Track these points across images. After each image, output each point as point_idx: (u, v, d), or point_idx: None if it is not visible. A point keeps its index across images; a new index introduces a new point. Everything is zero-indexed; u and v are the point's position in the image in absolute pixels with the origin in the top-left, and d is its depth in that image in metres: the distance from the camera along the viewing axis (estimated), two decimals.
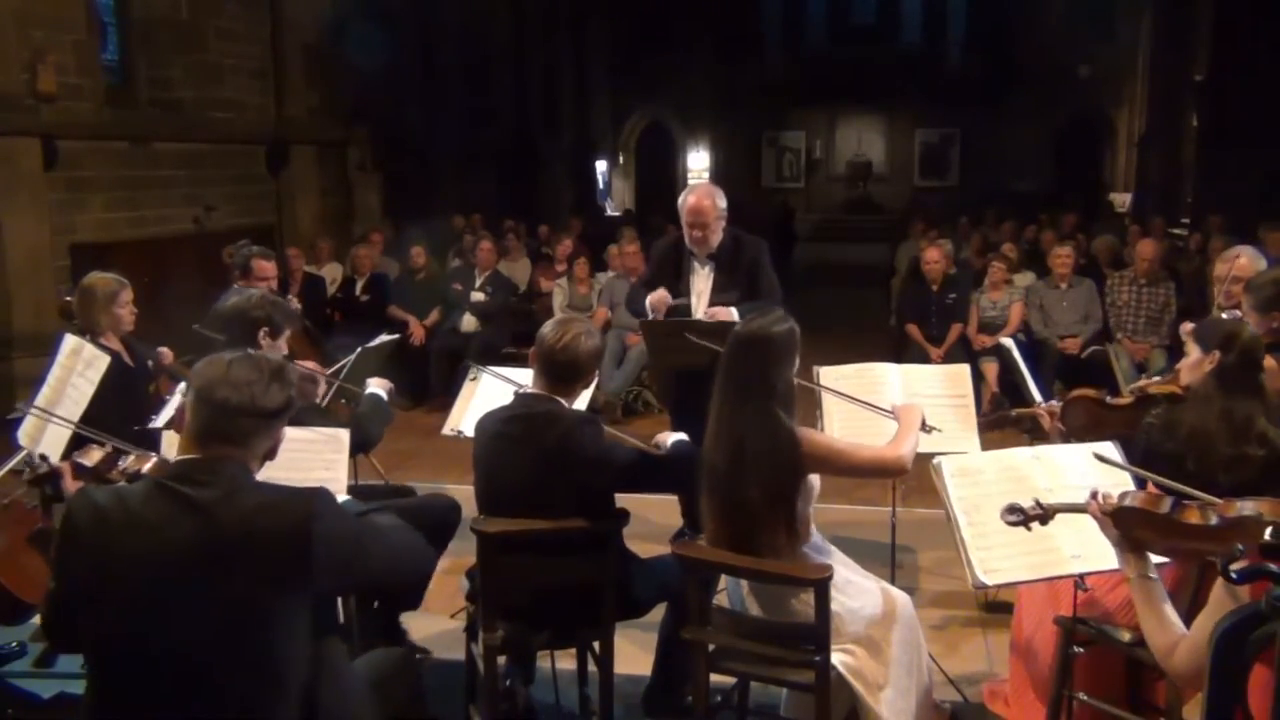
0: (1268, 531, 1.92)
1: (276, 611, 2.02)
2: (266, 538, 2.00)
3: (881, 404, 3.81)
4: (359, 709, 2.23)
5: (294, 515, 2.03)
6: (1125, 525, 2.37)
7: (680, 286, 4.61)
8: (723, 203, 4.48)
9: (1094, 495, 2.43)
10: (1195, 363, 3.03)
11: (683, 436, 3.32)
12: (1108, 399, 3.53)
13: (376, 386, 3.88)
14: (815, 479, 2.93)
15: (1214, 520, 2.21)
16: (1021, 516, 2.54)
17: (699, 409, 4.87)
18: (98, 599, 2.04)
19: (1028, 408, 3.72)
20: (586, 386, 3.26)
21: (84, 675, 2.17)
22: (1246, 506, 2.16)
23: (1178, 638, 2.23)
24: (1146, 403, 3.33)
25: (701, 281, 4.57)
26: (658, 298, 4.48)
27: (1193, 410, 2.95)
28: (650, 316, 4.47)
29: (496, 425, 3.13)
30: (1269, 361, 3.50)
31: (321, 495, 2.13)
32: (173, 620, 1.99)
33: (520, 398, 3.17)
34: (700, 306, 4.54)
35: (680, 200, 4.53)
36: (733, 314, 4.31)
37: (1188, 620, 2.30)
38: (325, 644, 2.15)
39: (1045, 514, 2.54)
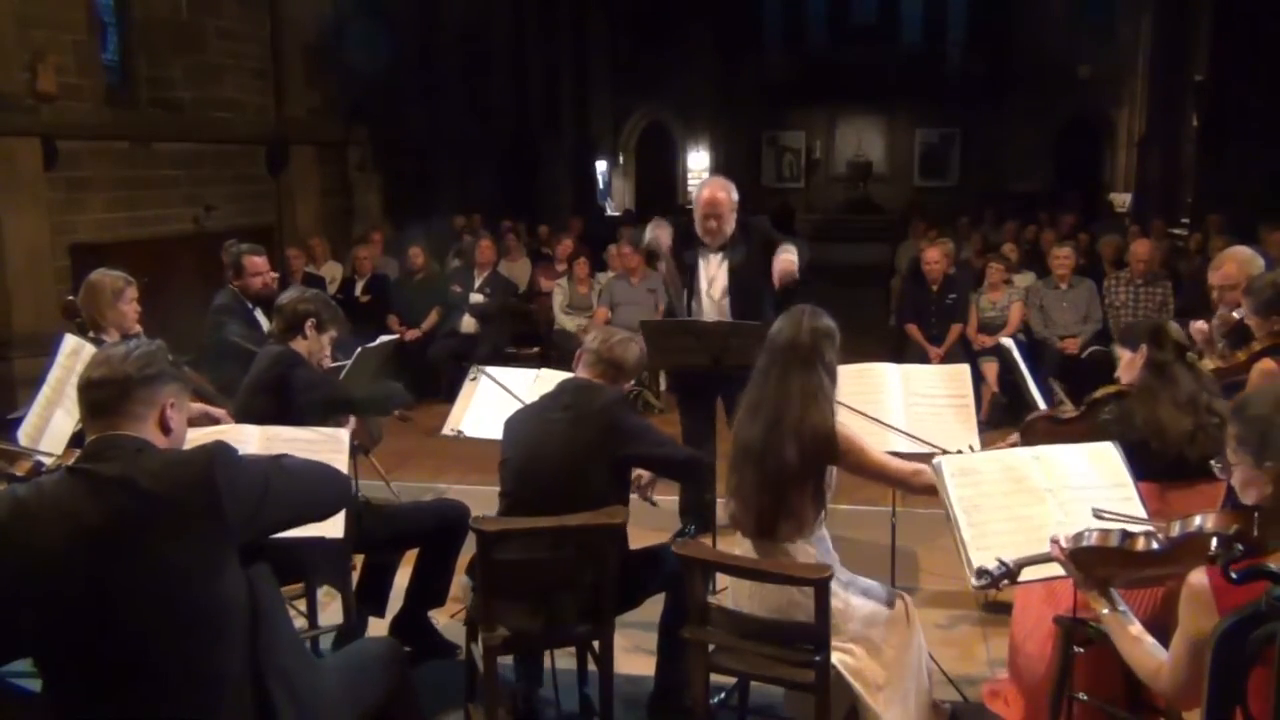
0: (1212, 543, 1.92)
1: (207, 563, 2.05)
2: (178, 490, 2.05)
3: (880, 407, 3.82)
4: (295, 651, 2.30)
5: (197, 464, 2.08)
6: (1086, 565, 2.40)
7: (685, 273, 4.88)
8: (735, 195, 4.78)
9: (1054, 542, 2.45)
10: (1130, 362, 3.34)
11: None
12: (1060, 415, 3.58)
13: None
14: (834, 474, 3.00)
15: (1156, 546, 2.23)
16: (989, 579, 2.53)
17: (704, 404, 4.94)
18: (33, 596, 2.03)
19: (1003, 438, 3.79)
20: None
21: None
22: (1191, 523, 2.16)
23: (1160, 659, 2.25)
24: (1096, 406, 3.47)
25: (713, 269, 4.82)
26: (660, 238, 4.73)
27: (1142, 404, 3.21)
28: (651, 248, 4.78)
29: (542, 401, 3.36)
30: (1267, 363, 3.52)
31: (219, 444, 2.18)
32: (110, 597, 2.00)
33: (562, 383, 3.38)
34: (710, 292, 4.81)
35: (695, 194, 4.86)
36: (793, 260, 4.56)
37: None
38: (253, 575, 2.18)
39: (1011, 572, 2.52)
